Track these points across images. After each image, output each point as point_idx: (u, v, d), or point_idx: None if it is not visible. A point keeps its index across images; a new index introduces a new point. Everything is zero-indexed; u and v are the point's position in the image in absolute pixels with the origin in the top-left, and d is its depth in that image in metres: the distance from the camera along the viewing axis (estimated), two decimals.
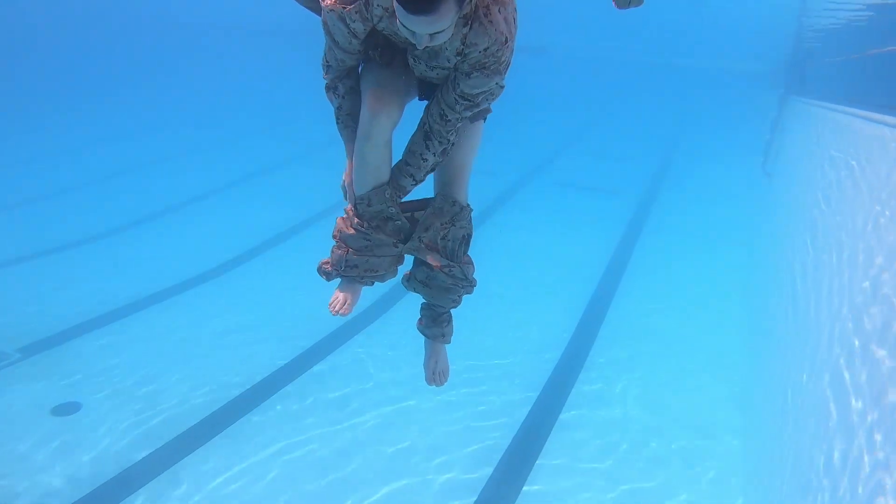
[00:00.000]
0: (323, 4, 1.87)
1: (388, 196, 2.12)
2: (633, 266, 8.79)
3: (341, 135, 2.18)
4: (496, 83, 1.87)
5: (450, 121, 1.98)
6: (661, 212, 11.36)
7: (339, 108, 2.13)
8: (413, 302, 2.55)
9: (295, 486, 4.58)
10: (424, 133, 2.04)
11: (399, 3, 1.59)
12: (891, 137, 3.36)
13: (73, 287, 7.66)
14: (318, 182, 12.58)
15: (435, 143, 2.04)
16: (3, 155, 13.46)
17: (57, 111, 17.79)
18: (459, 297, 2.40)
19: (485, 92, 1.89)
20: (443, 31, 1.65)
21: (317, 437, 5.09)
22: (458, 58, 1.84)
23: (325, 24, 1.92)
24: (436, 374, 2.50)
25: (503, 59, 1.81)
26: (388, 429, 5.24)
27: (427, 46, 1.74)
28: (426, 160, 2.09)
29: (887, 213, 2.97)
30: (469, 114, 1.98)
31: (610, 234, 9.98)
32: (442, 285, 2.32)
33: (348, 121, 2.13)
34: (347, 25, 1.86)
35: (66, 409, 5.34)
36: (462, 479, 4.70)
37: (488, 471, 4.78)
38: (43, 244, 8.92)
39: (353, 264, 2.20)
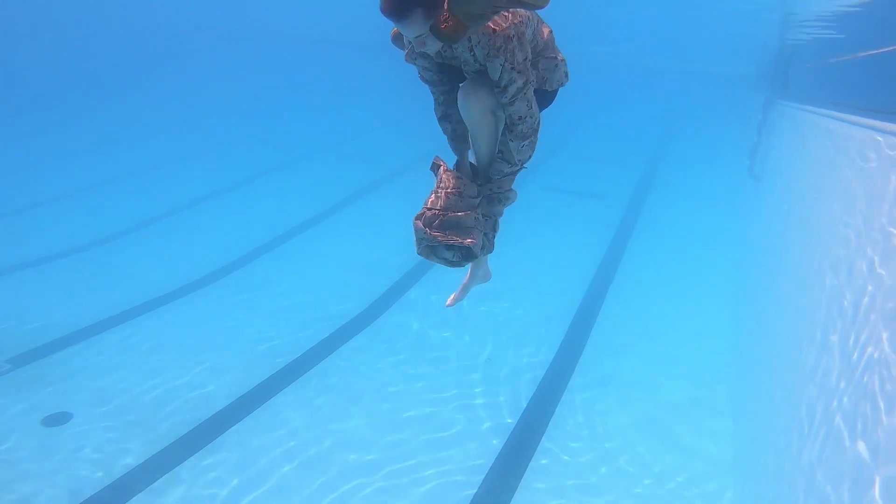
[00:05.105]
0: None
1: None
2: (622, 269, 8.86)
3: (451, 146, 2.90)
4: (500, 64, 2.38)
5: (503, 105, 2.52)
6: (650, 215, 11.45)
7: (452, 132, 2.84)
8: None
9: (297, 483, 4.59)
10: (506, 125, 2.61)
11: (380, 11, 2.19)
12: (868, 139, 3.44)
13: (59, 296, 7.61)
14: (308, 185, 12.71)
15: (514, 129, 2.58)
16: None
17: (45, 117, 17.68)
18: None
19: (502, 75, 2.41)
20: (422, 35, 2.24)
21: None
22: (472, 55, 2.44)
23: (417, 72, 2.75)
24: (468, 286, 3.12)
25: (496, 44, 2.35)
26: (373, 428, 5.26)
27: (444, 53, 2.48)
28: (508, 143, 2.62)
29: (867, 211, 3.04)
30: (506, 98, 2.48)
31: (599, 237, 10.05)
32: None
33: (458, 140, 2.85)
34: (416, 62, 2.66)
35: (56, 420, 5.30)
36: (454, 482, 4.73)
37: (480, 476, 4.81)
38: (30, 254, 8.86)
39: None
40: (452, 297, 3.11)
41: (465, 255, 2.67)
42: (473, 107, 2.57)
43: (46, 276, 8.32)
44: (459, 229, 2.60)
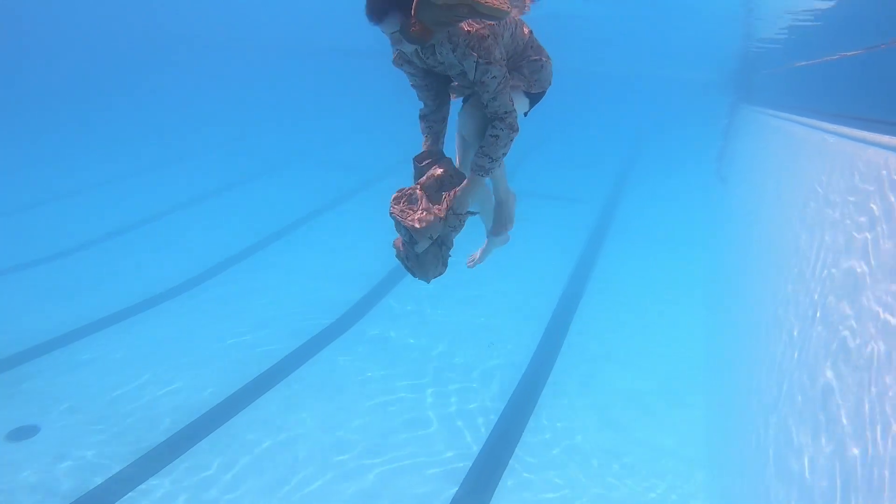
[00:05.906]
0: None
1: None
2: (597, 270, 9.00)
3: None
4: (474, 62, 2.51)
5: (486, 104, 2.60)
6: (624, 217, 11.65)
7: (433, 133, 2.87)
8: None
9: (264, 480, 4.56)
10: (489, 119, 2.66)
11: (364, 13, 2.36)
12: (826, 141, 3.58)
13: (21, 309, 7.42)
14: (287, 192, 12.62)
15: (496, 123, 2.62)
16: None
17: (23, 125, 17.26)
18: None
19: (477, 72, 2.52)
20: (396, 33, 2.40)
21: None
22: (454, 57, 2.54)
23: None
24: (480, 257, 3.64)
25: (471, 44, 2.50)
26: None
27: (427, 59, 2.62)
28: (497, 136, 2.63)
29: (821, 211, 3.17)
30: (488, 95, 2.57)
31: (574, 239, 10.20)
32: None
33: (437, 142, 2.90)
34: (403, 68, 2.74)
35: (22, 433, 5.17)
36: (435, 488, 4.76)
37: (462, 473, 4.85)
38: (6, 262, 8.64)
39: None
40: (473, 258, 3.57)
41: (409, 239, 2.60)
42: (475, 124, 2.69)
43: (25, 283, 8.12)
44: (416, 207, 2.58)
